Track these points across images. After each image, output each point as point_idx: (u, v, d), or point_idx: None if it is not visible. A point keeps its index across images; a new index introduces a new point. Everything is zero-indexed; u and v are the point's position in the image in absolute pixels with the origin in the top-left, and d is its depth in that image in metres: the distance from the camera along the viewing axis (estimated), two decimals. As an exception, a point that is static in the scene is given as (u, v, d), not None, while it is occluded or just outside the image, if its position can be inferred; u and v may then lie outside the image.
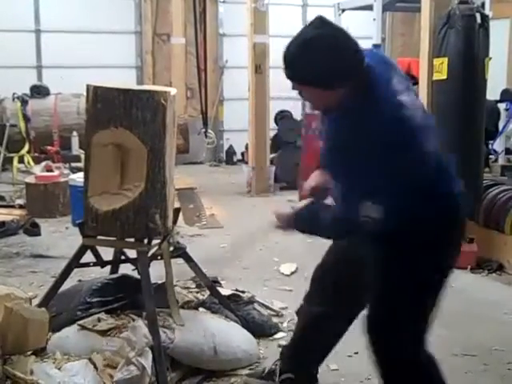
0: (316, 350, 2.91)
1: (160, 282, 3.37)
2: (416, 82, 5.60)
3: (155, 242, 3.23)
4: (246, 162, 9.31)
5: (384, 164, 2.15)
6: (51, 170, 7.33)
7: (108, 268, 3.59)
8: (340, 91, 2.21)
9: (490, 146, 8.57)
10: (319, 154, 2.48)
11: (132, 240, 3.17)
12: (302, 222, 2.47)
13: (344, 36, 2.20)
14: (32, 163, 8.55)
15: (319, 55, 2.14)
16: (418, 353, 2.47)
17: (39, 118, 8.84)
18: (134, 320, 3.14)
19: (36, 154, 8.73)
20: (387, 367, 2.50)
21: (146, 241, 3.18)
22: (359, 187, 2.22)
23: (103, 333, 3.07)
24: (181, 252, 3.41)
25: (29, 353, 2.95)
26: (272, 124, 9.28)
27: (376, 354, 2.48)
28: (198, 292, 3.79)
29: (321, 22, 2.22)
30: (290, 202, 7.54)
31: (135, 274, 3.36)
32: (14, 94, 8.87)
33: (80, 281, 3.83)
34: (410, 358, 2.45)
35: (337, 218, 2.32)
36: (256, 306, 3.78)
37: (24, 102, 8.80)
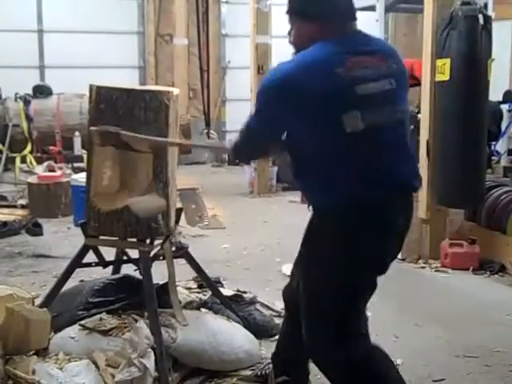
0: (300, 350, 2.89)
1: (162, 282, 3.37)
2: (419, 83, 5.60)
3: (157, 242, 3.22)
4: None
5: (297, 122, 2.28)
6: (53, 170, 7.34)
7: (110, 268, 3.59)
8: (312, 26, 2.36)
9: (492, 147, 8.57)
10: None
11: (134, 240, 3.17)
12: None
13: None
14: (34, 163, 8.57)
15: None
16: (350, 349, 2.39)
17: (42, 118, 8.86)
18: (135, 320, 3.14)
19: (38, 154, 8.75)
20: (325, 369, 2.49)
21: (148, 241, 3.18)
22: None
23: (105, 333, 3.07)
24: (183, 252, 3.41)
25: (31, 353, 2.95)
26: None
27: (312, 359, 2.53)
28: (199, 292, 3.79)
29: None
30: (291, 202, 7.55)
31: (137, 275, 3.36)
32: (16, 93, 8.89)
33: (82, 281, 3.83)
34: (343, 356, 2.38)
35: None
36: (258, 306, 3.77)
37: (26, 102, 8.82)
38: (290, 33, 2.48)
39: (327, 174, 2.32)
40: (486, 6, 5.55)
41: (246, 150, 2.58)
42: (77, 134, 8.52)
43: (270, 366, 3.00)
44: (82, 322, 3.14)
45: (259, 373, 3.06)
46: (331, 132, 2.27)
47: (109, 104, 3.00)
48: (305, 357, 2.85)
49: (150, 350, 2.89)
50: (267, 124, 2.39)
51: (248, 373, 3.17)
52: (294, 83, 2.24)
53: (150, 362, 2.85)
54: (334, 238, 2.34)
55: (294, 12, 2.43)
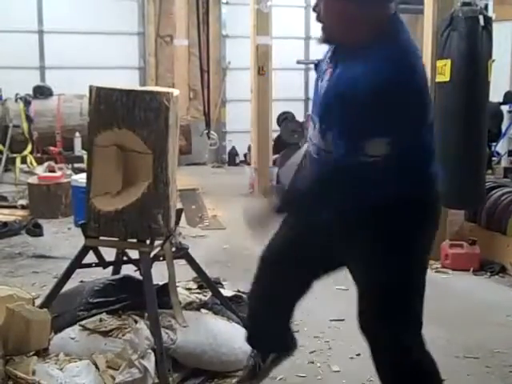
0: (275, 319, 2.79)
1: (162, 282, 3.37)
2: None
3: (157, 242, 3.22)
4: (249, 164, 9.32)
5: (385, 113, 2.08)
6: (54, 171, 7.35)
7: (110, 269, 3.59)
8: (360, 10, 2.12)
9: (492, 148, 8.57)
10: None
11: (134, 241, 3.17)
12: (283, 198, 2.39)
13: None
14: (35, 164, 8.57)
15: None
16: (418, 353, 2.42)
17: (42, 119, 8.85)
18: (136, 321, 3.14)
19: (39, 155, 8.74)
20: (389, 369, 2.46)
21: (148, 241, 3.18)
22: (351, 132, 2.14)
23: (105, 334, 3.07)
24: (183, 253, 3.41)
25: (31, 353, 2.95)
26: (274, 125, 9.29)
27: (375, 353, 2.44)
28: (199, 293, 3.79)
29: None
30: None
31: (137, 275, 3.36)
32: (16, 94, 8.88)
33: (82, 281, 3.83)
34: (411, 359, 2.40)
35: (334, 165, 2.23)
36: (258, 307, 3.77)
37: (27, 103, 8.82)
38: (324, 20, 2.22)
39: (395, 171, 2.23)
40: (486, 7, 5.54)
41: None
42: (77, 134, 8.52)
43: (252, 355, 2.89)
44: (83, 323, 3.14)
45: (248, 369, 2.97)
46: (422, 123, 2.26)
47: (109, 105, 3.00)
48: (290, 322, 2.78)
49: (150, 351, 2.90)
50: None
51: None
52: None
53: (150, 364, 2.86)
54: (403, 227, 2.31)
55: None
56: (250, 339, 2.88)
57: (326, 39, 2.28)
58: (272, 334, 2.80)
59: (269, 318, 2.73)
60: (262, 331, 2.80)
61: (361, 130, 2.11)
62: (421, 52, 2.32)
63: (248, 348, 3.24)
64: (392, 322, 2.37)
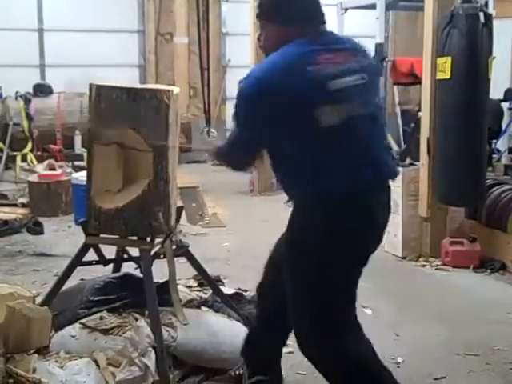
0: (276, 347, 2.90)
1: (162, 280, 3.37)
2: (419, 82, 5.60)
3: (158, 240, 3.22)
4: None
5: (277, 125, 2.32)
6: (54, 169, 7.34)
7: (110, 266, 3.59)
8: (286, 29, 2.41)
9: (493, 145, 8.56)
10: None
11: (135, 238, 3.17)
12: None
13: None
14: (35, 162, 8.58)
15: None
16: (354, 352, 2.42)
17: (42, 117, 8.86)
18: (136, 319, 3.14)
19: (39, 153, 8.75)
20: (323, 365, 2.49)
21: (148, 239, 3.18)
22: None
23: (106, 332, 3.07)
24: (183, 250, 3.41)
25: (31, 351, 2.95)
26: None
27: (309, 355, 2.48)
28: (200, 291, 3.79)
29: None
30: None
31: (138, 273, 3.36)
32: (17, 92, 8.89)
33: (82, 279, 3.83)
34: (349, 358, 2.41)
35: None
36: (258, 304, 3.77)
37: (27, 101, 8.82)
38: (259, 38, 2.55)
39: (305, 170, 2.35)
40: (486, 4, 5.54)
41: (233, 158, 2.60)
42: (77, 132, 8.52)
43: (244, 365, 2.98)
44: (83, 321, 3.14)
45: (233, 373, 3.05)
46: (309, 128, 2.30)
47: (109, 103, 3.00)
48: (279, 354, 2.89)
49: (150, 348, 2.90)
50: (253, 129, 2.41)
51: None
52: (270, 85, 2.29)
53: (150, 361, 2.86)
54: (316, 232, 2.36)
55: (267, 17, 2.49)
56: (245, 350, 2.95)
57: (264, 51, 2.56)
58: (267, 358, 2.89)
59: (267, 339, 2.83)
60: (260, 351, 2.88)
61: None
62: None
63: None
64: (322, 334, 2.41)
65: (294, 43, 2.36)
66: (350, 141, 2.35)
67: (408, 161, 5.86)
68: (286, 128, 2.32)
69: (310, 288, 2.39)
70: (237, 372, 3.04)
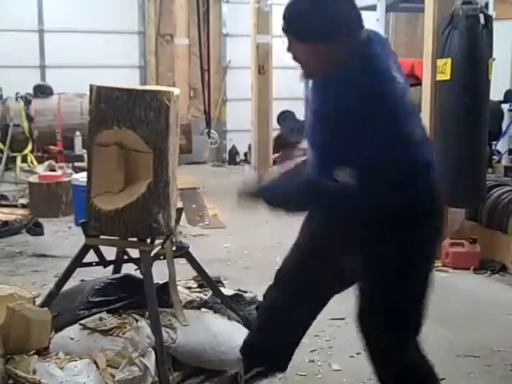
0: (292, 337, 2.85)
1: (162, 281, 3.37)
2: (419, 83, 5.59)
3: (158, 241, 3.22)
4: (249, 162, 9.32)
5: (363, 135, 2.14)
6: (54, 170, 7.34)
7: (111, 268, 3.59)
8: (330, 48, 2.22)
9: (493, 147, 8.56)
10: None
11: (135, 239, 3.17)
12: (268, 190, 2.43)
13: None
14: (35, 163, 8.58)
15: (315, 7, 2.18)
16: (415, 353, 2.45)
17: (42, 118, 8.86)
18: (136, 320, 3.14)
19: (39, 154, 8.75)
20: (386, 369, 2.48)
21: (148, 240, 3.18)
22: (334, 155, 2.20)
23: (105, 332, 3.07)
24: (183, 252, 3.41)
25: (31, 352, 2.95)
26: (275, 124, 9.29)
27: (374, 354, 2.46)
28: (200, 292, 3.79)
29: None
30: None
31: (138, 274, 3.36)
32: (17, 93, 8.88)
33: (82, 280, 3.84)
34: (409, 359, 2.43)
35: (306, 181, 2.31)
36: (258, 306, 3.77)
37: (27, 102, 8.82)
38: (300, 60, 2.32)
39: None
40: (486, 5, 5.53)
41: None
42: (77, 133, 8.52)
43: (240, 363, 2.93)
44: (83, 322, 3.14)
45: (232, 372, 3.00)
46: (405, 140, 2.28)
47: (109, 104, 3.00)
48: (295, 345, 2.83)
49: (150, 349, 2.90)
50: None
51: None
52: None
53: (150, 362, 2.86)
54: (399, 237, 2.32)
55: (316, 39, 2.22)
56: (245, 347, 2.92)
57: (306, 75, 2.36)
58: (272, 351, 2.83)
59: (277, 335, 2.77)
60: (264, 345, 2.83)
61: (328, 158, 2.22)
62: (392, 69, 2.32)
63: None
64: (392, 325, 2.38)
65: (368, 53, 2.22)
66: (426, 151, 2.41)
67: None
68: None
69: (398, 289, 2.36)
70: (234, 371, 3.03)
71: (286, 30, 2.27)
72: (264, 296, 2.91)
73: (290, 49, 2.30)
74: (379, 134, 2.16)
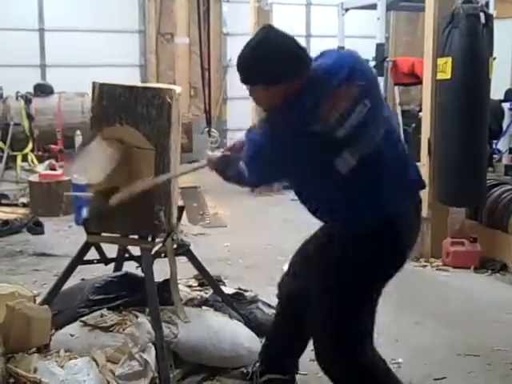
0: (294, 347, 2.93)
1: (163, 279, 3.37)
2: (420, 82, 5.59)
3: (159, 239, 3.22)
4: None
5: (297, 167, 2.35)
6: (55, 169, 7.34)
7: (112, 266, 3.59)
8: (279, 89, 2.35)
9: (493, 146, 8.56)
10: None
11: (136, 237, 3.17)
12: (224, 164, 2.74)
13: (285, 40, 2.43)
14: (36, 162, 8.58)
15: (262, 56, 2.39)
16: (362, 357, 2.49)
17: (43, 117, 8.86)
18: (137, 317, 3.14)
19: (39, 153, 8.75)
20: (335, 372, 2.55)
21: (149, 238, 3.18)
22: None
23: (106, 329, 3.07)
24: (184, 250, 3.41)
25: (32, 350, 2.95)
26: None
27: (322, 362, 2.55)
28: (201, 290, 3.79)
29: (268, 29, 2.49)
30: (293, 201, 7.53)
31: (139, 272, 3.36)
32: (17, 92, 8.89)
33: (83, 279, 3.84)
34: (355, 363, 2.48)
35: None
36: (259, 304, 3.77)
37: (28, 101, 8.82)
38: (257, 100, 2.53)
39: (335, 203, 2.42)
40: (487, 4, 5.54)
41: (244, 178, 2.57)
42: (78, 132, 8.51)
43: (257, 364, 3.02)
44: (83, 319, 3.14)
45: (245, 370, 3.08)
46: (328, 176, 2.36)
47: (111, 101, 3.01)
48: (298, 354, 2.92)
49: (150, 344, 2.90)
50: (266, 173, 2.49)
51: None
52: (277, 155, 2.33)
53: (150, 357, 2.86)
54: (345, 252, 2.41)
55: (258, 82, 2.41)
56: (265, 351, 3.01)
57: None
58: (284, 357, 2.94)
59: (289, 338, 2.87)
60: (278, 349, 2.93)
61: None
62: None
63: (249, 345, 3.25)
64: (332, 339, 2.49)
65: (291, 102, 2.33)
66: (371, 173, 2.37)
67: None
68: (307, 176, 2.40)
69: (337, 299, 2.46)
70: (247, 370, 3.05)
71: (242, 79, 2.48)
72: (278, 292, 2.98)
73: (250, 93, 2.51)
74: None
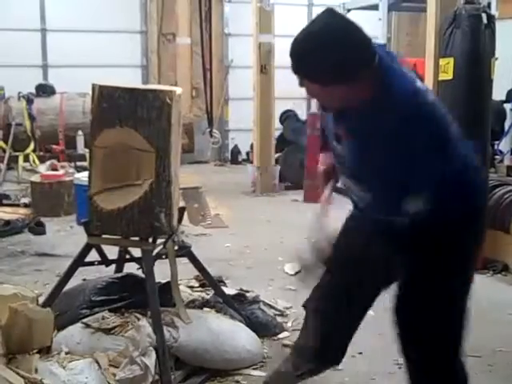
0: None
1: (164, 281, 3.37)
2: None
3: (160, 240, 3.22)
4: (251, 162, 9.32)
5: (420, 156, 2.09)
6: (56, 169, 7.35)
7: (113, 267, 3.59)
8: (352, 86, 2.04)
9: (495, 147, 8.55)
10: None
11: (137, 239, 3.17)
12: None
13: (354, 29, 2.02)
14: (37, 162, 8.59)
15: (326, 50, 1.97)
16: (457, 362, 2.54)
17: (45, 117, 8.87)
18: (138, 319, 3.14)
19: (41, 153, 8.76)
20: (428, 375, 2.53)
21: (150, 240, 3.18)
22: (395, 184, 2.08)
23: (107, 331, 3.07)
24: (185, 251, 3.41)
25: (33, 352, 2.95)
26: (277, 124, 9.28)
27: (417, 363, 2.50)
28: (202, 291, 3.79)
29: (329, 14, 2.03)
30: (294, 201, 7.54)
31: (140, 273, 3.36)
32: (19, 93, 8.90)
33: (85, 280, 3.84)
34: (451, 367, 2.53)
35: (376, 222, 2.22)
36: (260, 305, 3.78)
37: (29, 101, 8.84)
38: (321, 104, 2.24)
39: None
40: (489, 5, 5.52)
41: None
42: (80, 132, 8.53)
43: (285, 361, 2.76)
44: (85, 321, 3.14)
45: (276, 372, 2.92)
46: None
47: (111, 103, 3.00)
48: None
49: (151, 348, 2.90)
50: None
51: (251, 372, 3.16)
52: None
53: (150, 361, 2.86)
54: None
55: (329, 83, 2.02)
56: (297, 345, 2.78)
57: (327, 109, 2.25)
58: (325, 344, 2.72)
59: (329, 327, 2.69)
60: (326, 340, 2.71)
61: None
62: (418, 77, 2.36)
63: (251, 346, 3.25)
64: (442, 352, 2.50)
65: (396, 78, 2.17)
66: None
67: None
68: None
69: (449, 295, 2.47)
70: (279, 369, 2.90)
71: (296, 71, 2.04)
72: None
73: (302, 85, 2.09)
74: (434, 150, 2.14)
